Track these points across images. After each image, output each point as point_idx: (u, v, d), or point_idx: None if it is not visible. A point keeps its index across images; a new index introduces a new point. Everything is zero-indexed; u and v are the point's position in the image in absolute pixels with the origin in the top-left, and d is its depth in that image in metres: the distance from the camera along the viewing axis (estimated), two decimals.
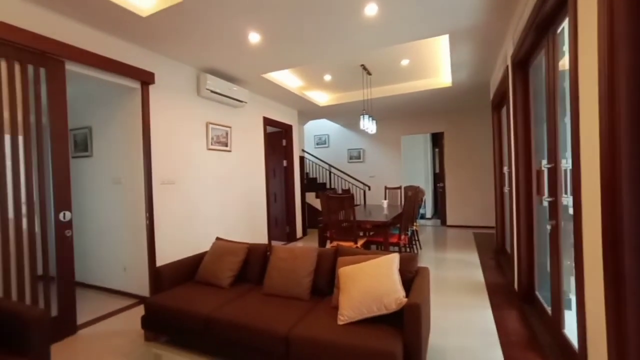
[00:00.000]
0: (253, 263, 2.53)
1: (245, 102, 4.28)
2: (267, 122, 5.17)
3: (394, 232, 4.06)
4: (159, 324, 2.19)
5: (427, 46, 3.73)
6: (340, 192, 6.94)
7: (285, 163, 5.86)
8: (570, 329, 1.92)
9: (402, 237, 3.78)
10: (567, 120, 1.90)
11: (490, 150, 6.29)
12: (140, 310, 2.87)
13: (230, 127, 4.24)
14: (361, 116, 4.31)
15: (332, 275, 2.21)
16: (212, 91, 3.73)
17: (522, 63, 2.73)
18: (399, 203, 5.84)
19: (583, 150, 1.40)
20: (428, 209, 8.20)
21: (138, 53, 3.02)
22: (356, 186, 7.49)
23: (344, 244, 3.43)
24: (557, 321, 2.07)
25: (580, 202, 1.44)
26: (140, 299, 3.11)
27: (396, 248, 3.76)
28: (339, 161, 7.84)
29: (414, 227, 4.52)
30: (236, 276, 2.48)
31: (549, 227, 2.12)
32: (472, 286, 3.25)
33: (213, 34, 2.88)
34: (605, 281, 1.19)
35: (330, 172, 7.73)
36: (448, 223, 6.90)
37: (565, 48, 1.91)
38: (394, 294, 1.69)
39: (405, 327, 1.59)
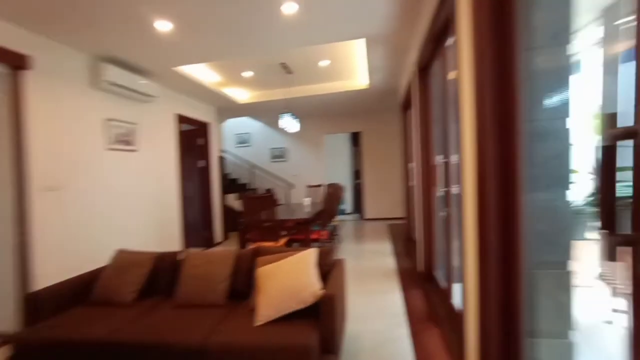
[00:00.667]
0: (162, 273, 2.29)
1: (155, 97, 3.87)
2: (181, 119, 4.77)
3: (315, 228, 4.17)
4: None
5: (346, 48, 3.92)
6: (263, 192, 6.84)
7: (202, 163, 5.50)
8: (457, 299, 2.25)
9: (323, 232, 3.91)
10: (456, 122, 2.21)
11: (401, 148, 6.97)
12: (4, 353, 2.32)
13: (136, 124, 3.78)
14: (281, 115, 4.30)
15: (251, 277, 2.14)
16: (112, 83, 3.27)
17: (423, 69, 3.08)
18: (320, 200, 6.03)
19: (465, 148, 1.64)
20: (348, 204, 8.68)
21: (6, 30, 2.45)
22: (279, 185, 7.48)
23: (265, 244, 3.38)
24: (448, 293, 2.40)
25: (463, 193, 1.69)
26: (6, 338, 2.49)
27: (317, 244, 3.87)
28: (261, 160, 7.70)
29: (335, 223, 4.73)
30: (142, 290, 2.21)
31: (442, 214, 2.44)
32: (385, 273, 3.55)
33: (112, 18, 2.51)
34: (478, 256, 1.42)
35: (252, 172, 7.55)
36: (366, 217, 7.41)
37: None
38: (311, 288, 1.73)
39: (321, 318, 1.64)
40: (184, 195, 4.79)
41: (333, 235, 4.63)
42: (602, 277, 2.12)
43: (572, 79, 1.29)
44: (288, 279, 1.78)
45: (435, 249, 3.03)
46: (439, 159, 2.57)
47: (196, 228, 5.45)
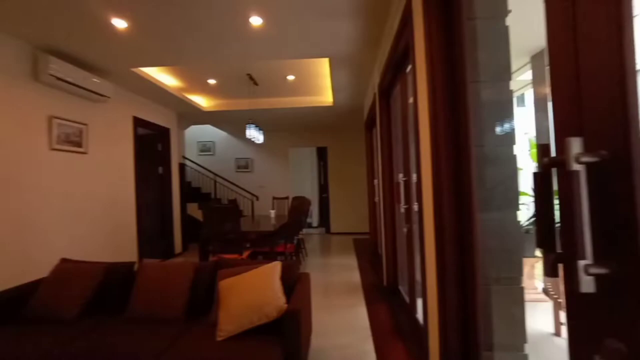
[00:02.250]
0: (114, 286, 2.10)
1: (108, 97, 3.63)
2: (139, 122, 4.52)
3: (280, 241, 4.10)
4: None
5: (311, 66, 4.01)
6: (226, 202, 6.63)
7: (161, 170, 5.22)
8: (420, 313, 2.32)
9: (288, 245, 3.86)
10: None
11: (366, 164, 7.17)
12: None
13: (86, 125, 3.51)
14: (247, 126, 4.25)
15: (212, 291, 2.04)
16: (58, 78, 3.00)
17: (385, 92, 3.24)
18: (286, 213, 5.97)
19: (423, 168, 1.73)
20: (314, 218, 8.68)
21: None
22: (244, 196, 7.29)
23: (228, 257, 3.25)
24: (412, 308, 2.47)
25: (422, 210, 1.78)
26: None
27: (283, 257, 3.80)
28: (225, 170, 7.49)
29: (300, 236, 4.69)
30: (89, 304, 2.01)
31: (405, 230, 2.54)
32: (350, 287, 3.57)
33: (55, 6, 2.31)
34: (437, 271, 1.49)
35: (215, 182, 7.30)
36: (332, 231, 7.45)
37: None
38: (275, 302, 1.69)
39: (286, 333, 1.60)
40: (140, 202, 4.49)
41: (299, 249, 4.59)
42: (545, 291, 2.31)
43: (517, 111, 1.44)
44: (251, 293, 1.73)
45: (399, 264, 3.12)
46: (400, 177, 2.69)
47: (154, 238, 5.11)
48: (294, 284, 2.03)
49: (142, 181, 4.57)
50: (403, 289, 2.98)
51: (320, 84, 4.70)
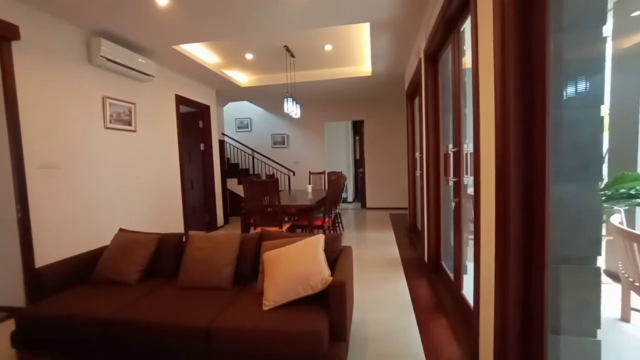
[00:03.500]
0: (166, 255, 2.25)
1: (153, 76, 3.74)
2: (181, 100, 4.64)
3: (318, 215, 4.12)
4: (39, 339, 1.78)
5: (350, 34, 3.79)
6: (264, 177, 6.76)
7: (202, 147, 5.40)
8: (467, 290, 2.22)
9: (326, 219, 3.86)
10: (469, 110, 2.13)
11: (405, 137, 6.87)
12: (9, 326, 2.30)
13: (134, 104, 3.66)
14: (285, 99, 4.19)
15: (256, 261, 2.10)
16: (109, 59, 3.13)
17: (432, 57, 2.98)
18: (322, 187, 5.98)
19: (482, 137, 1.56)
20: (350, 193, 8.63)
21: None
22: (280, 171, 7.39)
23: (269, 229, 3.33)
24: (457, 285, 2.37)
25: (479, 182, 1.63)
26: (11, 312, 2.49)
27: (320, 231, 3.83)
28: (262, 146, 7.59)
29: (337, 210, 4.68)
30: (145, 271, 2.17)
31: (453, 204, 2.39)
32: (389, 262, 3.53)
33: None
34: (496, 248, 1.36)
35: (253, 158, 7.45)
36: (368, 206, 7.38)
37: (467, 46, 2.12)
38: (320, 274, 1.68)
39: (331, 305, 1.60)
40: (185, 177, 4.72)
41: (336, 223, 4.60)
42: (609, 273, 2.08)
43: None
44: (296, 265, 1.74)
45: (443, 239, 3.00)
46: (450, 148, 2.50)
47: (198, 211, 5.40)
48: (337, 256, 2.01)
49: (186, 157, 4.78)
50: (447, 265, 2.87)
51: (358, 53, 4.46)
